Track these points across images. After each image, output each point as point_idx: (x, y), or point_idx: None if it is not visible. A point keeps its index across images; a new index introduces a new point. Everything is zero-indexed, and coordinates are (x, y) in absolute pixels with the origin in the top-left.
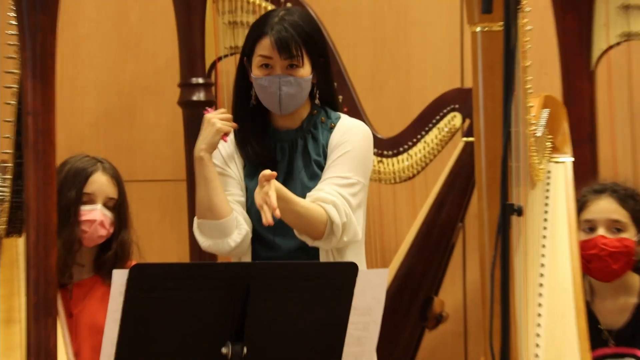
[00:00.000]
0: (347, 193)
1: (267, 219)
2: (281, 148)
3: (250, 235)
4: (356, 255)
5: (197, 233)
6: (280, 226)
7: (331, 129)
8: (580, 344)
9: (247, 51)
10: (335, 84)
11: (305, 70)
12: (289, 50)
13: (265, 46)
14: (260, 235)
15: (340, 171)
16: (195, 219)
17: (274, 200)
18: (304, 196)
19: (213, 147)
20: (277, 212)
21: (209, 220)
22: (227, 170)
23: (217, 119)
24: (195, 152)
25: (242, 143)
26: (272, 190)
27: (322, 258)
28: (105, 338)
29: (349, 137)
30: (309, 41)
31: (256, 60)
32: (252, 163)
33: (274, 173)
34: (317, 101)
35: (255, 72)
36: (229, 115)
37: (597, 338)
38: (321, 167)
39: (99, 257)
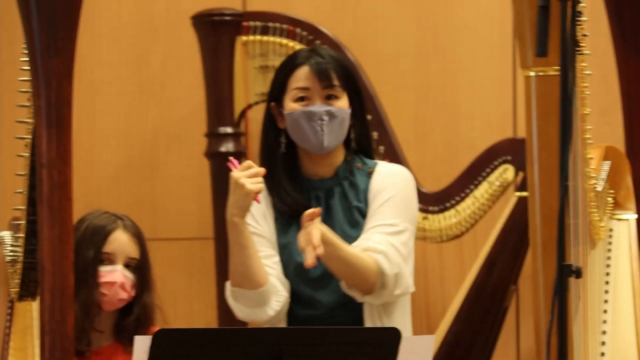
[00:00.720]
0: (397, 241)
1: (309, 259)
2: (316, 197)
3: (288, 301)
4: (403, 313)
5: (232, 301)
6: (320, 281)
7: (369, 174)
8: None
9: (277, 93)
10: (376, 133)
11: (344, 103)
12: (329, 78)
13: (301, 77)
14: (298, 292)
15: (385, 218)
16: (229, 286)
17: (317, 238)
18: None
19: (246, 210)
20: (320, 250)
21: (245, 289)
22: (258, 229)
23: (245, 178)
24: (227, 216)
25: (273, 192)
26: (315, 228)
27: (366, 316)
28: None
29: (390, 181)
30: (346, 73)
31: (291, 95)
32: (284, 214)
33: (317, 210)
34: (352, 144)
35: (291, 107)
36: (257, 170)
37: None
38: (362, 214)
39: (120, 323)
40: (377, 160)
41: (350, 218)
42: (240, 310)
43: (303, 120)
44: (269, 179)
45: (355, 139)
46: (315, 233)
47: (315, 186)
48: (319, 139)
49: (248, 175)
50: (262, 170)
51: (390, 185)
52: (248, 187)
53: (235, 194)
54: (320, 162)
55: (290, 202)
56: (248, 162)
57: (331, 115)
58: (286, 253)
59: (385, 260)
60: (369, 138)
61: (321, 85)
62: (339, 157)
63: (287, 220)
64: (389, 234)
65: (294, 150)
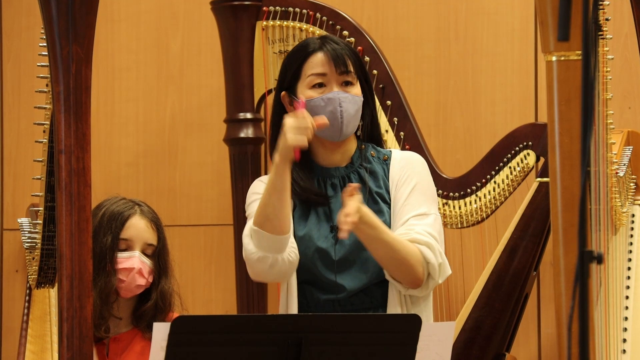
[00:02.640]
0: (433, 230)
1: (342, 231)
2: (332, 185)
3: (297, 265)
4: (428, 302)
5: (248, 240)
6: (341, 264)
7: (385, 161)
8: None
9: (289, 81)
10: (396, 119)
11: (358, 90)
12: (345, 64)
13: (317, 62)
14: (320, 277)
15: (417, 209)
16: (250, 225)
17: (351, 208)
18: None
19: (287, 159)
20: (354, 218)
21: (267, 232)
22: None
23: (293, 129)
24: (273, 156)
25: None
26: (354, 201)
27: (390, 303)
28: None
29: (410, 169)
30: (358, 61)
31: (307, 82)
32: (301, 202)
33: (357, 185)
34: (359, 132)
35: (307, 94)
36: (308, 123)
37: None
38: (385, 201)
39: (138, 309)
40: (389, 148)
41: (372, 204)
42: (255, 252)
43: (322, 107)
44: None
45: (363, 127)
46: (352, 204)
47: (331, 174)
48: (339, 125)
49: (297, 125)
50: (309, 125)
51: (410, 173)
52: (290, 138)
53: (281, 140)
54: (335, 150)
55: (304, 186)
56: (302, 111)
57: (348, 101)
58: (305, 241)
59: (430, 251)
60: (378, 127)
61: (338, 71)
62: (352, 145)
63: (305, 210)
64: (426, 224)
65: None
